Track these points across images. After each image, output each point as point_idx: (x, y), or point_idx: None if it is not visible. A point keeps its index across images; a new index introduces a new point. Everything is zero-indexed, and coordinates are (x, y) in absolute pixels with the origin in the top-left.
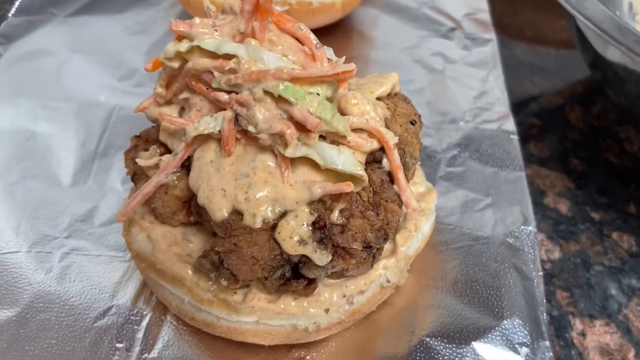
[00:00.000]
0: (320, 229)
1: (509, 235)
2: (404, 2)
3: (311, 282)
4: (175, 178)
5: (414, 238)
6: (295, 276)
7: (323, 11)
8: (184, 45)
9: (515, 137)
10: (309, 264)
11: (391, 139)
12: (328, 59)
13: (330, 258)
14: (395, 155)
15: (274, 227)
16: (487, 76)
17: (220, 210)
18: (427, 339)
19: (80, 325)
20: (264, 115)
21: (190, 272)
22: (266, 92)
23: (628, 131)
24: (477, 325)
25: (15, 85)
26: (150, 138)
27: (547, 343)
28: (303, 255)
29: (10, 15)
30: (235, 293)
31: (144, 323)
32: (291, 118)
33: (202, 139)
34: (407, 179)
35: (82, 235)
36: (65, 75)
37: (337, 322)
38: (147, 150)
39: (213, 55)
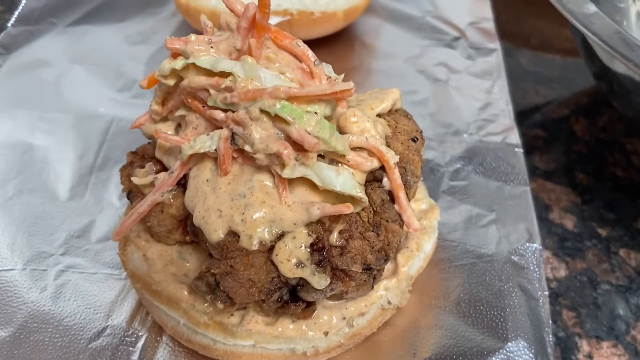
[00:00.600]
0: (319, 251)
1: (514, 253)
2: (407, 11)
3: (310, 305)
4: (171, 197)
5: (415, 258)
6: (293, 299)
7: (325, 21)
8: (179, 63)
9: (520, 151)
10: (307, 287)
11: (392, 158)
12: (327, 76)
13: (329, 281)
14: (396, 174)
15: (271, 249)
16: (492, 87)
17: (216, 232)
18: None
19: (75, 346)
20: (261, 134)
21: (186, 293)
22: (263, 111)
23: (635, 144)
24: (481, 347)
25: (13, 97)
26: (146, 154)
27: None
28: (301, 278)
29: (9, 25)
30: (232, 315)
31: (140, 344)
32: (288, 137)
33: (198, 157)
34: (409, 198)
35: (78, 252)
36: (64, 86)
37: (337, 345)
38: (142, 167)
39: (209, 72)
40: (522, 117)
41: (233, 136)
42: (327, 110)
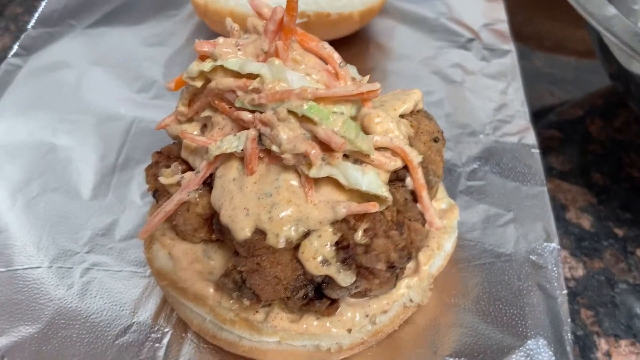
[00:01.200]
0: (344, 249)
1: (532, 252)
2: (421, 13)
3: (334, 302)
4: (197, 195)
5: (436, 256)
6: (318, 296)
7: (341, 22)
8: (207, 65)
9: (536, 151)
10: (332, 284)
11: (415, 158)
12: (352, 77)
13: (354, 278)
14: (420, 174)
15: (297, 247)
16: (507, 88)
17: (243, 230)
18: (450, 359)
19: (102, 342)
20: (288, 135)
21: (211, 290)
22: (290, 112)
23: None
24: (501, 345)
25: (34, 98)
26: (171, 154)
27: None
28: (326, 276)
29: (29, 27)
30: (257, 312)
31: (165, 341)
32: (315, 138)
33: (225, 157)
34: (430, 198)
35: (103, 250)
36: (84, 87)
37: (360, 342)
38: (168, 166)
39: (236, 74)
40: (537, 118)
41: (260, 137)
42: (352, 110)
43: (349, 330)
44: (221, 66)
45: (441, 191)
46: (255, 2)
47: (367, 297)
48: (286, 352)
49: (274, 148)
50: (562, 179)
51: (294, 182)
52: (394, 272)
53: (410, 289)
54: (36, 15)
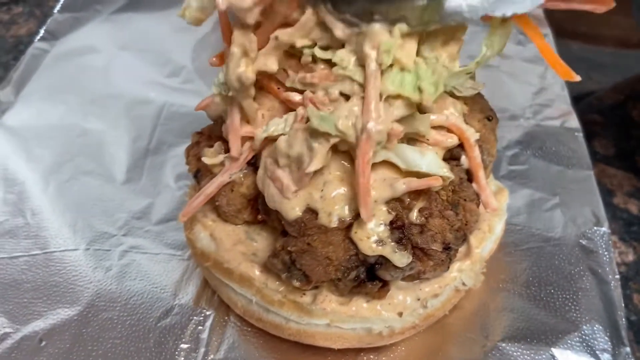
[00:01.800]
0: (399, 229)
1: (582, 237)
2: None
3: (385, 285)
4: (241, 175)
5: (488, 240)
6: (370, 278)
7: None
8: None
9: (580, 135)
10: (386, 265)
11: (472, 136)
12: None
13: (410, 259)
14: (476, 152)
15: (349, 226)
16: (545, 72)
17: (293, 209)
18: (503, 344)
19: (144, 325)
20: None
21: (257, 272)
22: (342, 94)
23: None
24: (555, 330)
25: (63, 82)
26: (213, 134)
27: (628, 349)
28: (380, 256)
29: (55, 11)
30: (304, 294)
31: (208, 323)
32: None
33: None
34: (485, 177)
35: (140, 232)
36: (112, 71)
37: (411, 326)
38: (211, 146)
39: (287, 54)
40: (577, 102)
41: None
42: None
43: (400, 314)
44: None
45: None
46: None
47: (418, 281)
48: (335, 335)
49: None
50: (607, 163)
51: (345, 162)
52: (449, 253)
53: (462, 273)
54: (61, 0)
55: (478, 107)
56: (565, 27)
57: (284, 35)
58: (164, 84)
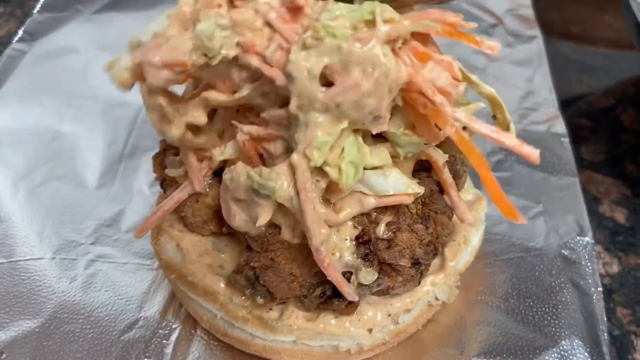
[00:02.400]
0: (365, 244)
1: (564, 247)
2: None
3: (352, 301)
4: (206, 186)
5: (463, 251)
6: (336, 294)
7: None
8: None
9: (566, 140)
10: (353, 282)
11: (440, 158)
12: None
13: (376, 276)
14: (446, 174)
15: None
16: (533, 75)
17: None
18: (478, 359)
19: (107, 338)
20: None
21: (222, 285)
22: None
23: None
24: (533, 345)
25: (40, 83)
26: None
27: None
28: (346, 272)
29: (35, 11)
30: (271, 310)
31: (173, 337)
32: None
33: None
34: (458, 188)
35: (108, 241)
36: (91, 73)
37: (381, 343)
38: (177, 154)
39: None
40: (566, 106)
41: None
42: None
43: (370, 330)
44: None
45: (467, 182)
46: None
47: (389, 295)
48: (302, 352)
49: None
50: (594, 170)
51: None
52: (419, 268)
53: (436, 287)
54: (41, 0)
55: None
56: (556, 29)
57: (212, 97)
58: None
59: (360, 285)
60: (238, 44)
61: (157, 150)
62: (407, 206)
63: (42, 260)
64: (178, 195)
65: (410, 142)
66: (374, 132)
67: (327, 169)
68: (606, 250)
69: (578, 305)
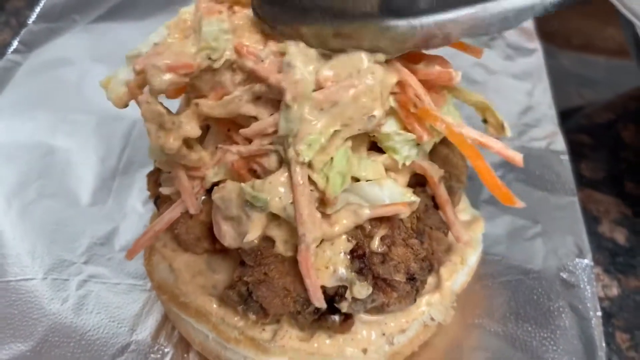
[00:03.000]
0: (359, 258)
1: (563, 269)
2: None
3: (347, 318)
4: (200, 202)
5: (460, 272)
6: (330, 311)
7: None
8: None
9: (565, 158)
10: (347, 297)
11: (436, 173)
12: None
13: (370, 290)
14: (442, 190)
15: None
16: (533, 89)
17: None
18: None
19: None
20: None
21: (215, 306)
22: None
23: None
24: None
25: (34, 96)
26: None
27: None
28: (340, 287)
29: (30, 22)
30: (263, 330)
31: None
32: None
33: None
34: (453, 205)
35: (101, 260)
36: (86, 85)
37: None
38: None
39: None
40: (565, 121)
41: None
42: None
43: (364, 351)
44: None
45: (464, 201)
46: None
47: (384, 314)
48: None
49: None
50: (594, 188)
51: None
52: (414, 285)
53: (432, 307)
54: (37, 9)
55: None
56: (557, 40)
57: (204, 105)
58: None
59: (354, 300)
60: (235, 47)
61: (151, 167)
62: (401, 220)
63: (34, 281)
64: (169, 215)
65: (405, 141)
66: (370, 128)
67: (314, 176)
68: (606, 272)
69: (577, 331)
